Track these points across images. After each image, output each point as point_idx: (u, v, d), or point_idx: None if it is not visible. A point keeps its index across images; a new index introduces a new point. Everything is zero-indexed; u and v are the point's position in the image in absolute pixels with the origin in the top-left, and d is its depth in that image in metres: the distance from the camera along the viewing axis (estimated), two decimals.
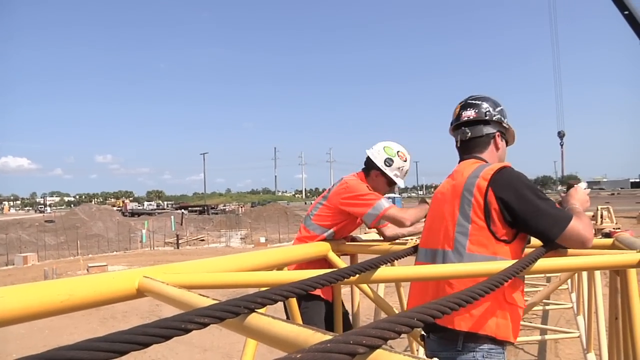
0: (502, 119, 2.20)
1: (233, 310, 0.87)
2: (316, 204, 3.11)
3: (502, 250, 1.87)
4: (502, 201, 1.86)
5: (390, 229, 3.13)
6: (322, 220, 3.00)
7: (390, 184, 3.11)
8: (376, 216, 2.83)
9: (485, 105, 2.18)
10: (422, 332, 2.22)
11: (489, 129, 2.16)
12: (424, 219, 3.02)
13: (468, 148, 2.19)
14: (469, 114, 2.18)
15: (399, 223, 2.86)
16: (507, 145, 2.28)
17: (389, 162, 3.06)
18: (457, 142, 2.24)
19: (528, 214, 1.85)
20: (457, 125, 2.22)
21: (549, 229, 1.85)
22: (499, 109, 2.20)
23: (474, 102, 2.21)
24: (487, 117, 2.16)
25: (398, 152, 3.11)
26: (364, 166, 3.17)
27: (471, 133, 2.16)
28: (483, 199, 1.88)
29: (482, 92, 2.27)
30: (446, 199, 2.05)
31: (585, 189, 2.15)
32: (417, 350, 3.77)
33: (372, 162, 3.08)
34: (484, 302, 1.77)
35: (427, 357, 2.07)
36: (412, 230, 3.09)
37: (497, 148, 2.18)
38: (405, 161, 3.13)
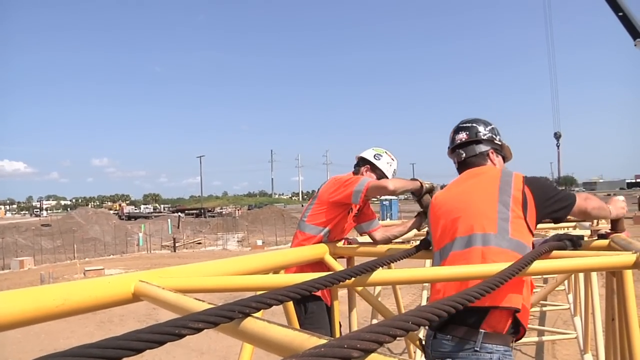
0: (494, 136, 2.39)
1: (227, 315, 0.87)
2: (308, 207, 3.18)
3: (530, 240, 2.06)
4: (538, 199, 2.08)
5: (380, 233, 3.16)
6: (316, 219, 3.03)
7: (378, 177, 3.16)
8: (361, 192, 2.86)
9: (475, 126, 2.39)
10: (420, 337, 2.21)
11: (481, 148, 2.36)
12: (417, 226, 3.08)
13: (465, 167, 2.37)
14: (461, 136, 2.39)
15: (383, 190, 2.91)
16: (505, 161, 2.46)
17: (377, 156, 3.20)
18: (455, 163, 2.44)
19: (556, 203, 2.11)
20: (453, 148, 2.42)
21: (565, 207, 2.12)
22: (489, 127, 2.40)
23: (465, 125, 2.41)
24: (477, 137, 2.36)
25: (386, 151, 3.26)
26: (355, 165, 3.28)
27: (465, 153, 2.37)
28: (522, 194, 2.06)
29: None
30: (473, 193, 2.16)
31: (622, 200, 2.39)
32: (415, 352, 3.77)
33: (362, 158, 3.21)
34: (510, 285, 1.85)
35: (433, 358, 2.04)
36: (403, 230, 3.13)
37: (493, 163, 2.35)
38: (393, 160, 3.25)
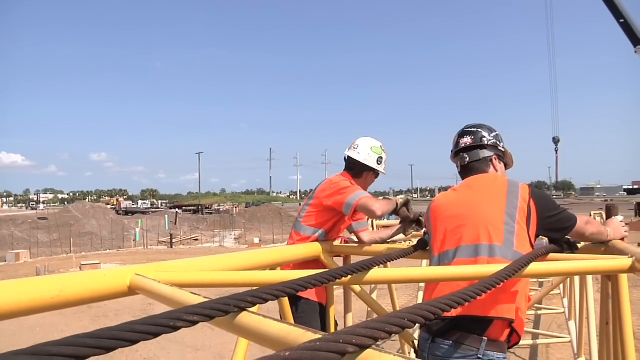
0: (498, 143, 2.39)
1: (223, 309, 0.86)
2: (303, 207, 3.15)
3: None
4: (542, 214, 2.09)
5: (367, 234, 3.15)
6: (312, 220, 3.02)
7: (377, 175, 3.23)
8: (352, 205, 2.84)
9: (480, 131, 2.39)
10: (414, 340, 2.21)
11: (485, 153, 2.36)
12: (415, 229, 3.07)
13: (469, 171, 2.37)
14: (466, 140, 2.38)
15: (370, 213, 2.86)
16: (506, 168, 2.46)
17: (379, 160, 3.17)
18: (458, 167, 2.43)
19: (557, 222, 2.13)
20: (457, 152, 2.42)
21: (566, 228, 2.14)
22: (494, 134, 2.40)
23: (470, 129, 2.42)
24: (482, 142, 2.36)
25: (381, 147, 3.21)
26: (349, 167, 3.21)
27: (469, 158, 2.36)
28: (527, 209, 2.07)
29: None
30: (480, 201, 2.15)
31: (620, 220, 2.40)
32: (409, 353, 3.77)
33: (364, 165, 3.14)
34: (511, 294, 1.94)
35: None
36: (389, 234, 3.11)
37: (496, 169, 2.35)
38: (385, 153, 3.24)
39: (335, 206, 2.94)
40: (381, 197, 3.08)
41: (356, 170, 3.17)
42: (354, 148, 3.20)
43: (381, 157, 3.18)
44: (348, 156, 3.20)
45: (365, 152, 3.16)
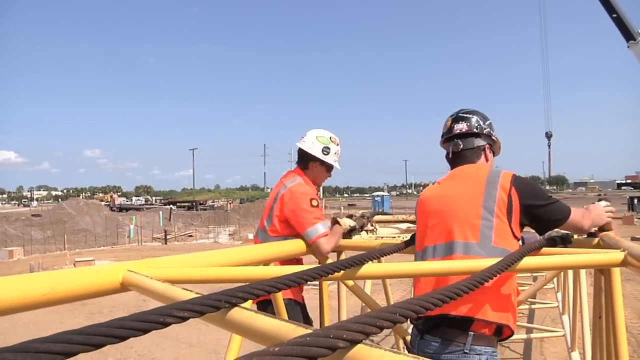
0: (491, 132, 2.32)
1: (214, 305, 0.86)
2: (267, 217, 3.05)
3: (515, 247, 1.98)
4: (524, 202, 2.02)
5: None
6: (282, 233, 2.94)
7: (329, 170, 3.14)
8: (309, 240, 2.76)
9: (475, 118, 2.30)
10: (408, 335, 2.21)
11: (479, 142, 2.28)
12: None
13: (460, 159, 2.29)
14: (461, 126, 2.28)
15: (320, 253, 2.77)
16: (494, 156, 2.40)
17: (326, 150, 3.05)
18: (448, 153, 2.34)
19: (545, 213, 2.06)
20: (449, 137, 2.32)
21: (557, 221, 2.09)
22: (488, 122, 2.33)
23: (465, 115, 2.32)
24: (477, 130, 2.28)
25: (330, 137, 3.10)
26: (298, 158, 3.15)
27: (463, 145, 2.27)
28: (507, 198, 2.01)
29: (471, 106, 2.37)
30: (458, 196, 2.11)
31: (604, 206, 2.33)
32: (403, 348, 3.78)
33: (309, 154, 3.05)
34: (497, 290, 1.91)
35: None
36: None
37: (487, 159, 2.30)
38: (338, 145, 3.13)
39: (295, 228, 2.86)
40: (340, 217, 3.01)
41: (303, 161, 3.09)
42: (302, 138, 3.12)
43: (328, 147, 3.06)
44: (298, 148, 3.13)
45: (310, 141, 3.06)
